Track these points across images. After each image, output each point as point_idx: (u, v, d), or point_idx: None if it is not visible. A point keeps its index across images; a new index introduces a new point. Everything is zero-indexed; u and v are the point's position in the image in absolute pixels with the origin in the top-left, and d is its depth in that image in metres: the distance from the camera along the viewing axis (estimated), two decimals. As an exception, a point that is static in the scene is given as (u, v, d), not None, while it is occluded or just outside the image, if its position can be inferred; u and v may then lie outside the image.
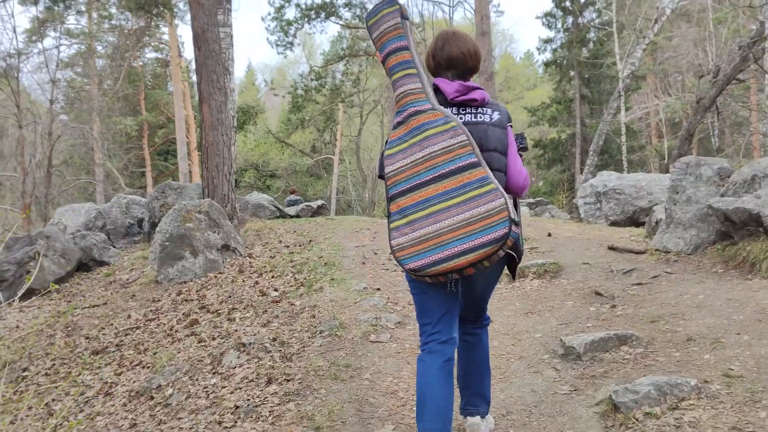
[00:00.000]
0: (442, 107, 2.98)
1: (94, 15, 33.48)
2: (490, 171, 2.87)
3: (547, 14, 34.75)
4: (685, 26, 32.56)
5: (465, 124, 3.03)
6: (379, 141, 41.23)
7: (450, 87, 3.11)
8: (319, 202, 14.26)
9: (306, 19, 26.46)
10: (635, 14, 29.91)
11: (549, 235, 8.30)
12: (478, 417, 3.50)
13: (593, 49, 33.39)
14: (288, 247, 9.20)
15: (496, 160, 3.02)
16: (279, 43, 26.80)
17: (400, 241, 2.89)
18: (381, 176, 3.05)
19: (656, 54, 33.51)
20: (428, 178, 2.87)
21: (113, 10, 33.13)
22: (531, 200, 16.62)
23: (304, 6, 26.30)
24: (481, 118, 3.07)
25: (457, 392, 3.47)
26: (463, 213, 2.79)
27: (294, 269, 7.73)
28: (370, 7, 27.26)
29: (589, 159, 22.16)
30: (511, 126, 3.18)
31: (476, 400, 3.50)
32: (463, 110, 3.10)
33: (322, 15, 26.52)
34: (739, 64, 21.39)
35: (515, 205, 3.16)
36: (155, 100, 37.16)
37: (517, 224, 2.88)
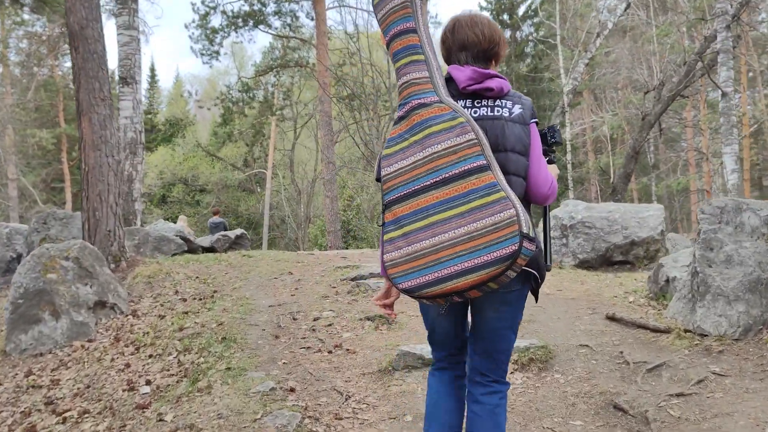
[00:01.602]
0: (450, 100, 2.47)
1: (7, 21, 30.59)
2: (501, 176, 2.37)
3: (485, 27, 33.16)
4: (623, 42, 31.49)
5: (480, 118, 2.55)
6: (314, 155, 39.00)
7: (462, 74, 2.58)
8: (238, 232, 12.00)
9: (233, 27, 24.14)
10: (574, 27, 28.58)
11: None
12: None
13: (532, 64, 31.92)
14: (185, 301, 6.98)
15: (513, 162, 2.52)
16: (204, 52, 24.41)
17: (393, 256, 2.45)
18: (378, 179, 2.58)
19: (594, 70, 32.24)
20: (429, 182, 2.41)
21: (26, 17, 30.20)
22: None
23: (230, 14, 23.98)
24: (498, 112, 2.56)
25: None
26: (465, 225, 2.32)
27: (181, 344, 5.52)
28: (301, 15, 25.18)
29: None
30: (537, 122, 2.64)
31: None
32: (478, 102, 2.59)
33: (250, 23, 24.24)
34: (684, 79, 20.19)
35: (544, 214, 2.91)
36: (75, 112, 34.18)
37: (532, 240, 2.27)
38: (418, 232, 2.42)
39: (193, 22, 24.20)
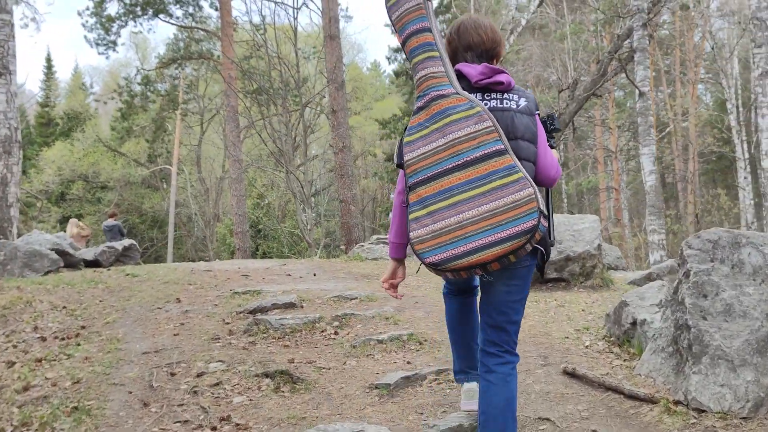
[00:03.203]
0: (465, 92, 2.71)
1: None
2: (517, 159, 2.61)
3: (397, 22, 32.11)
4: (534, 39, 31.16)
5: (491, 110, 2.75)
6: (222, 151, 37.14)
7: (474, 70, 2.81)
8: (127, 243, 10.47)
9: (131, 16, 22.25)
10: (488, 24, 27.90)
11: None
12: None
13: (444, 60, 31.00)
14: (44, 340, 5.57)
15: (524, 149, 2.76)
16: (100, 42, 22.45)
17: (420, 234, 2.64)
18: (399, 165, 2.79)
19: (506, 67, 31.68)
20: (451, 165, 2.62)
21: None
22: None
23: (128, 1, 22.07)
24: (507, 104, 2.80)
25: None
26: (488, 203, 2.54)
27: (20, 414, 4.15)
28: (204, 4, 23.53)
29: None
30: (539, 114, 2.92)
31: None
32: (488, 95, 2.81)
33: (150, 12, 22.40)
34: (600, 78, 19.75)
35: (546, 195, 2.97)
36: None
37: (546, 217, 2.63)
38: (443, 211, 2.59)
39: (87, 9, 22.22)
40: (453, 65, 2.86)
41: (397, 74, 33.34)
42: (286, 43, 20.48)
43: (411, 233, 2.65)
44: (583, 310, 5.86)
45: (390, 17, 2.89)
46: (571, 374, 4.06)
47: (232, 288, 7.17)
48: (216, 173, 39.76)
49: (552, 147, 3.03)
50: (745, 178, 25.49)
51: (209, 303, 6.53)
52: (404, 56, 33.01)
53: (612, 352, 4.45)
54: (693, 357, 3.40)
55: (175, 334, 5.50)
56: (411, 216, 2.67)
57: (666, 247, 15.97)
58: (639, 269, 24.80)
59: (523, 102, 2.80)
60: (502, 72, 2.82)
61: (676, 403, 3.40)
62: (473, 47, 2.87)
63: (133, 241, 10.65)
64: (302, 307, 6.04)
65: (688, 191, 29.26)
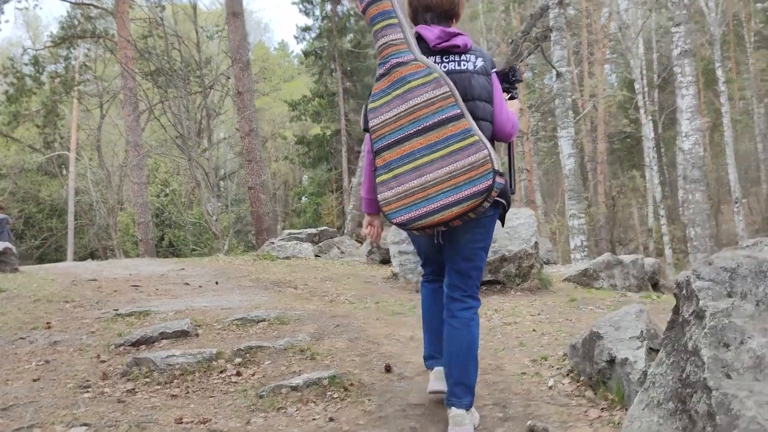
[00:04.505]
0: (424, 57, 2.82)
1: None
2: (473, 122, 2.74)
3: (305, 0, 30.80)
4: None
5: (449, 72, 2.87)
6: (123, 135, 34.92)
7: (431, 33, 2.90)
8: (0, 247, 9.01)
9: (15, -10, 20.13)
10: (401, 2, 26.96)
11: (387, 370, 4.14)
12: (463, 410, 2.93)
13: (355, 40, 29.92)
14: None
15: (480, 110, 2.87)
16: (-20, 18, 20.20)
17: (387, 196, 2.80)
18: (366, 129, 2.92)
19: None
20: (412, 131, 2.75)
21: None
22: (313, 230, 12.37)
23: (11, -27, 19.94)
24: (464, 65, 2.89)
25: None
26: (447, 166, 2.69)
27: None
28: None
29: (362, 160, 18.73)
30: (496, 72, 3.00)
31: (459, 390, 2.96)
32: (446, 58, 2.91)
33: (36, -15, 20.32)
34: (515, 59, 19.18)
35: (509, 147, 3.27)
36: None
37: (501, 174, 2.71)
38: (406, 174, 2.75)
39: (-35, -18, 19.95)
40: (415, 25, 2.96)
41: (306, 54, 31.93)
42: (186, 21, 18.96)
43: (379, 195, 2.81)
44: (534, 330, 4.94)
45: None
46: (540, 435, 3.12)
47: (116, 307, 5.98)
48: (119, 158, 37.57)
49: (514, 98, 3.20)
50: (653, 157, 25.49)
51: (85, 329, 5.31)
52: (312, 36, 31.74)
53: (584, 397, 3.53)
54: (717, 429, 2.50)
55: (34, 380, 4.27)
56: (378, 179, 2.83)
57: (586, 231, 15.47)
58: (556, 253, 24.52)
59: (480, 63, 2.90)
60: (459, 35, 2.88)
61: (696, 492, 2.50)
62: (432, 8, 2.94)
63: (9, 245, 9.18)
64: (197, 335, 4.90)
65: (598, 172, 29.21)
